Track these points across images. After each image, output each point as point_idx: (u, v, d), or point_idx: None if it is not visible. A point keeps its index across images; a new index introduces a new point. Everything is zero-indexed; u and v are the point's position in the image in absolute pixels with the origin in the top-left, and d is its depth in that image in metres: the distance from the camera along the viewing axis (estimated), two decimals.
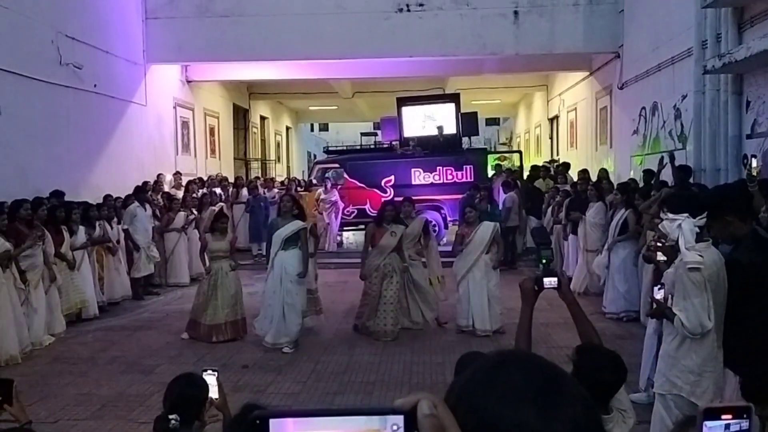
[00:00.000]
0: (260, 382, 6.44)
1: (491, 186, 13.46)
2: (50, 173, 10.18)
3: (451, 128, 16.09)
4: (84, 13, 11.60)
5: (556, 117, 19.99)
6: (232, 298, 7.96)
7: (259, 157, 22.20)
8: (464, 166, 14.93)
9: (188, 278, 11.71)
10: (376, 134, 24.80)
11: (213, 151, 17.73)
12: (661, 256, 4.15)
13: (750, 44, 7.76)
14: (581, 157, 16.29)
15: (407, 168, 15.07)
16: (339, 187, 15.09)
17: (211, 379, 2.97)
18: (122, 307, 9.95)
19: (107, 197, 10.49)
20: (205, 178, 14.90)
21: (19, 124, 9.67)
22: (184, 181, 13.70)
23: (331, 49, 13.68)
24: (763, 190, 6.17)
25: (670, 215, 3.68)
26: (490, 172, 15.64)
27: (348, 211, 15.11)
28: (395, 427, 0.69)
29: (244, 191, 14.66)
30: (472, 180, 14.17)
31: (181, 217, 11.71)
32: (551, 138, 20.92)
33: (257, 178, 16.69)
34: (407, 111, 16.83)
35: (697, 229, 3.58)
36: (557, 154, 19.49)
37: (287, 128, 26.83)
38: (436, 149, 15.38)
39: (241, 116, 20.51)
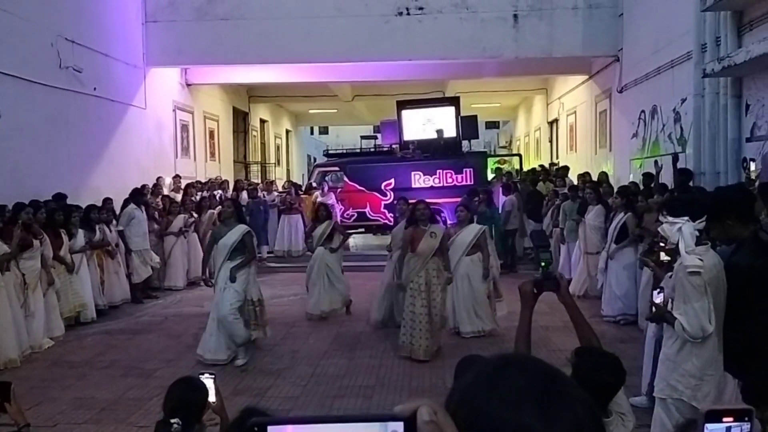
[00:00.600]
0: (259, 386, 6.42)
1: (491, 189, 13.47)
2: (50, 176, 10.17)
3: (451, 131, 16.09)
4: (84, 16, 11.61)
5: (556, 120, 20.00)
6: None
7: (259, 160, 22.21)
8: (464, 170, 14.94)
9: (184, 282, 11.69)
10: (376, 137, 24.77)
11: (213, 155, 17.74)
12: (664, 256, 4.12)
13: (749, 47, 7.77)
14: (581, 161, 16.30)
15: (407, 171, 15.07)
16: (339, 190, 15.09)
17: (208, 382, 2.97)
18: (121, 310, 9.94)
19: (107, 200, 10.49)
20: (204, 182, 14.91)
21: (18, 127, 9.67)
22: (184, 184, 13.70)
23: (330, 53, 13.69)
24: (763, 194, 6.17)
25: (670, 218, 3.67)
26: (490, 176, 15.65)
27: (348, 215, 15.10)
28: None
29: (244, 194, 14.66)
30: (472, 183, 14.18)
31: (180, 220, 11.71)
32: (551, 141, 20.94)
33: (251, 183, 16.63)
34: (407, 114, 16.84)
35: (697, 233, 3.58)
36: (557, 158, 19.51)
37: (287, 131, 26.85)
38: (436, 152, 15.39)
39: (240, 119, 20.51)
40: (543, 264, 2.73)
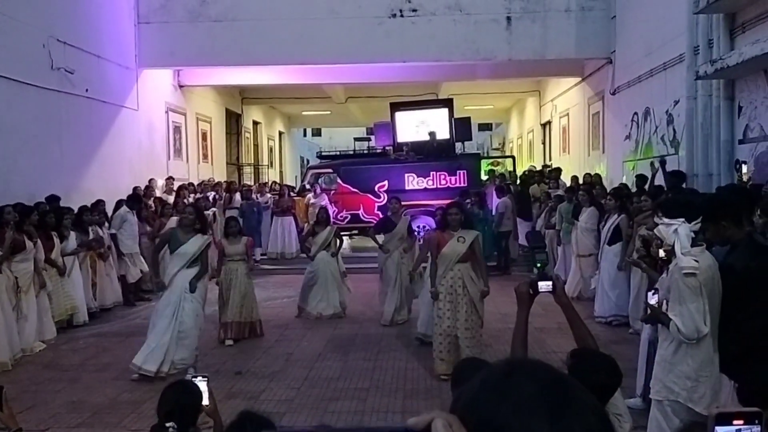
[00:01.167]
0: (254, 389, 6.39)
1: (483, 191, 13.48)
2: (41, 178, 10.11)
3: (444, 133, 16.10)
4: (76, 17, 11.56)
5: (549, 122, 20.06)
6: (242, 300, 8.11)
7: (252, 162, 22.17)
8: (457, 171, 14.94)
9: None
10: (369, 139, 24.77)
11: (205, 156, 17.70)
12: (662, 253, 4.09)
13: (742, 50, 7.81)
14: (574, 163, 16.34)
15: (401, 173, 15.06)
16: (332, 192, 15.07)
17: (201, 385, 2.94)
18: (113, 313, 9.88)
19: (99, 202, 10.43)
20: (197, 183, 14.86)
21: (9, 128, 9.61)
22: (176, 186, 13.64)
23: (324, 54, 13.68)
24: (755, 195, 6.19)
25: (666, 220, 3.67)
26: (484, 177, 15.67)
27: (341, 217, 15.08)
28: None
29: (237, 196, 14.63)
30: (466, 185, 14.20)
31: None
32: (544, 143, 21.00)
33: (245, 185, 16.57)
34: (400, 116, 16.83)
35: (692, 234, 3.58)
36: (550, 160, 19.57)
37: (280, 133, 26.82)
38: (429, 154, 15.39)
39: (233, 121, 20.48)
40: (539, 265, 2.72)
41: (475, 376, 0.85)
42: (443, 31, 13.47)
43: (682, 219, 3.58)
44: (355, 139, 27.36)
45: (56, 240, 8.58)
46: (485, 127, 32.76)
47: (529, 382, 0.81)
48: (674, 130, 10.37)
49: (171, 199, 12.84)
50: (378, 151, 18.22)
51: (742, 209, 3.84)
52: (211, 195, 14.25)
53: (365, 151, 20.37)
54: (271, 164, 24.70)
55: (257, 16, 13.52)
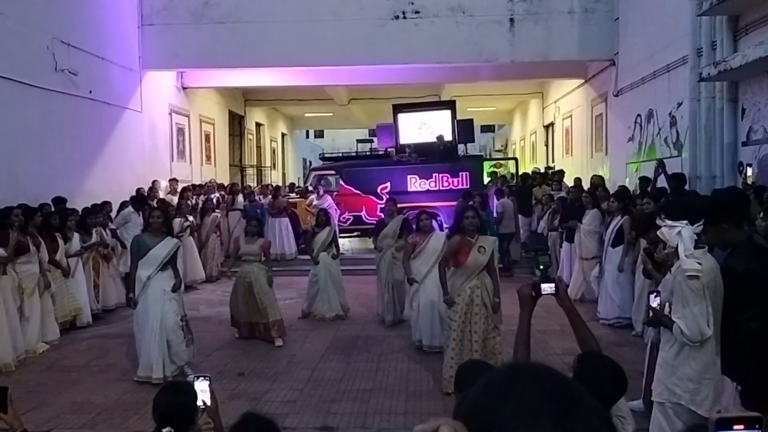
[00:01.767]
0: (256, 390, 6.40)
1: (486, 193, 13.48)
2: (45, 180, 10.14)
3: (447, 135, 16.12)
4: (80, 19, 11.59)
5: (552, 124, 20.04)
6: (261, 301, 8.09)
7: (255, 163, 22.20)
8: (460, 173, 14.95)
9: None
10: (371, 141, 24.75)
11: (208, 158, 17.71)
12: (668, 248, 4.05)
13: (745, 52, 7.80)
14: (577, 165, 16.33)
15: (403, 175, 15.07)
16: (335, 194, 15.07)
17: (203, 385, 2.93)
18: (116, 314, 9.89)
19: (105, 203, 10.43)
20: (200, 185, 14.87)
21: (13, 130, 9.64)
22: (180, 187, 13.66)
23: (326, 56, 13.69)
24: (758, 197, 6.19)
25: (669, 222, 3.67)
26: (486, 179, 15.66)
27: (344, 218, 15.09)
28: None
29: (240, 198, 14.64)
30: (468, 187, 14.19)
31: (176, 224, 11.64)
32: (546, 145, 20.98)
33: (247, 187, 16.54)
34: (403, 118, 16.86)
35: (695, 236, 3.58)
36: (552, 161, 19.54)
37: (283, 135, 26.84)
38: (432, 156, 15.40)
39: (236, 123, 20.50)
40: (542, 267, 2.72)
41: (479, 380, 0.85)
42: (446, 32, 13.47)
43: (685, 221, 3.58)
44: (358, 141, 27.31)
45: (60, 241, 8.61)
46: (488, 128, 32.74)
47: (532, 386, 0.81)
48: (677, 132, 10.36)
49: (174, 200, 12.86)
50: (380, 152, 18.24)
51: (742, 211, 3.84)
52: (215, 197, 14.26)
53: (368, 153, 20.37)
54: (273, 166, 24.72)
55: (260, 18, 13.54)
